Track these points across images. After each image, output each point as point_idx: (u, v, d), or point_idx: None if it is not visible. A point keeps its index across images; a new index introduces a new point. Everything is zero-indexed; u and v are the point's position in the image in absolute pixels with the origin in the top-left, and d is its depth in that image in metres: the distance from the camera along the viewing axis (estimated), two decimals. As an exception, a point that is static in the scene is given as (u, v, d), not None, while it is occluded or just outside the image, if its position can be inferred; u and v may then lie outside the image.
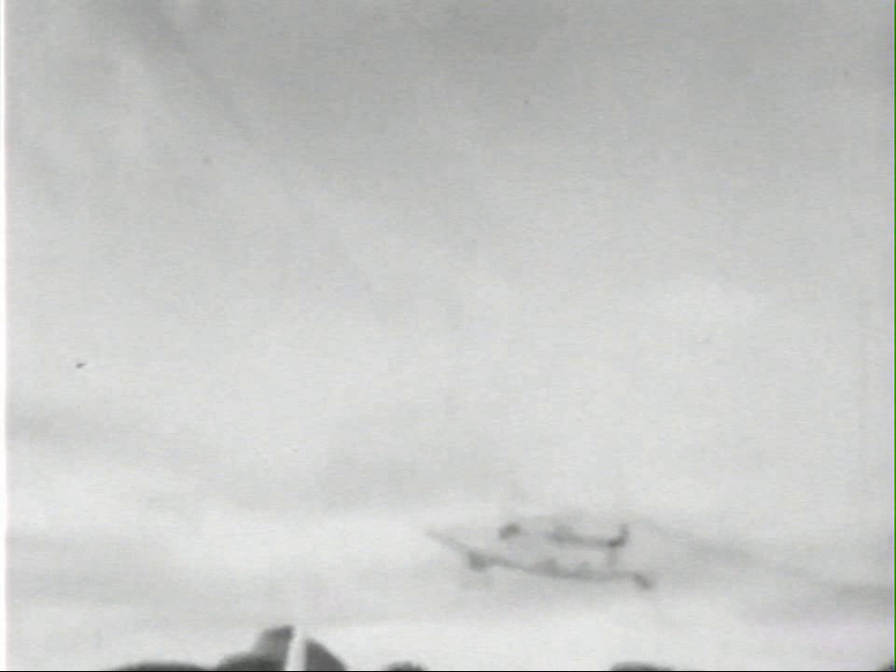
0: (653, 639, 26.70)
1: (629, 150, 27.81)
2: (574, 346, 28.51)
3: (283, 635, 30.27)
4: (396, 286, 29.88)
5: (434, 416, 29.43)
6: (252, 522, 30.33)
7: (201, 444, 30.91)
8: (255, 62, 29.41)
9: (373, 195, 29.91)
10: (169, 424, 30.65)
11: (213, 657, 30.49)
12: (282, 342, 30.83)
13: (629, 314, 28.06)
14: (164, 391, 30.74)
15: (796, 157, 26.47)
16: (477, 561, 28.40)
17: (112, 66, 29.57)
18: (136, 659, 29.51)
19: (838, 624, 25.73)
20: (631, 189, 27.69)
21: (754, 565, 26.54)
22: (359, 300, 29.80)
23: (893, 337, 24.88)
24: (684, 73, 27.52)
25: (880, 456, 26.11)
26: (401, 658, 29.25)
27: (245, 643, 30.80)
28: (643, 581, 27.54)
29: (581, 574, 27.85)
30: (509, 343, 29.03)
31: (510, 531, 28.41)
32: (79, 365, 27.38)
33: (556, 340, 28.78)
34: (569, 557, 27.90)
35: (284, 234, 30.41)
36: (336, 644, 29.89)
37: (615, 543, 27.80)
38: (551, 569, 28.02)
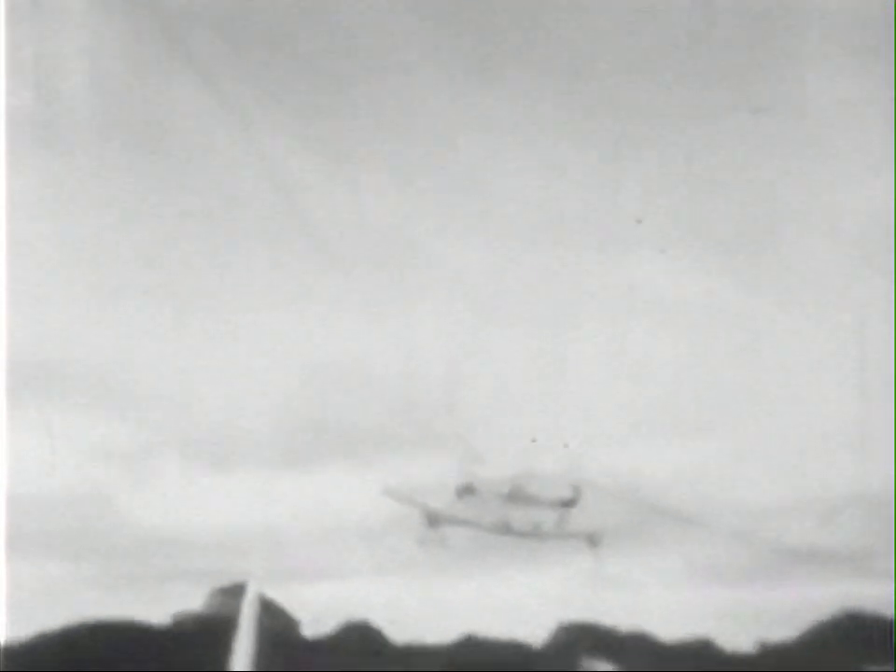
0: (600, 598, 27.56)
1: (605, 119, 28.46)
2: (533, 310, 29.14)
3: (236, 591, 30.41)
4: (355, 243, 30.20)
5: (392, 377, 29.84)
6: (208, 478, 30.44)
7: (158, 401, 30.95)
8: (214, 7, 29.45)
9: (334, 149, 30.18)
10: (126, 380, 30.63)
11: (164, 614, 30.54)
12: (240, 298, 30.98)
13: (591, 281, 28.81)
14: (122, 349, 30.69)
15: (772, 134, 27.32)
16: (433, 520, 28.94)
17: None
18: (87, 616, 29.45)
19: (780, 586, 26.88)
20: (604, 158, 28.37)
21: (701, 527, 27.56)
22: (317, 256, 30.07)
23: (853, 317, 26.06)
24: (662, 43, 28.30)
25: (827, 425, 27.34)
26: (357, 615, 29.67)
27: (197, 600, 30.89)
28: (593, 541, 28.39)
29: (533, 533, 28.60)
30: (469, 306, 29.52)
31: (465, 491, 29.01)
32: None
33: (516, 303, 29.37)
34: (523, 517, 28.61)
35: (239, 182, 30.50)
36: (291, 601, 30.14)
37: (567, 504, 28.60)
38: (505, 529, 28.72)
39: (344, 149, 29.80)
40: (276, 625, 29.82)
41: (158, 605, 30.24)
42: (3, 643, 27.08)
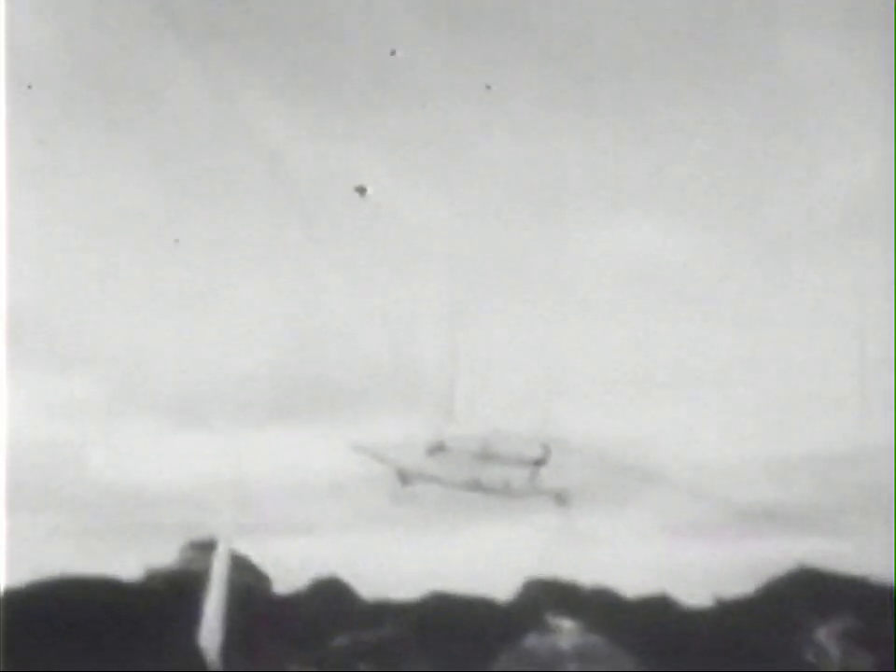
0: (567, 554, 28.35)
1: (579, 79, 28.83)
2: (508, 270, 29.58)
3: (206, 546, 30.58)
4: (338, 206, 30.38)
5: (365, 337, 30.12)
6: (179, 435, 30.53)
7: (131, 359, 30.92)
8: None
9: (310, 102, 30.22)
10: (99, 337, 30.53)
11: (135, 568, 30.63)
12: (218, 258, 31.03)
13: (566, 243, 29.33)
14: (94, 306, 30.56)
15: (760, 101, 27.84)
16: (404, 477, 29.37)
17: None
18: (57, 570, 29.42)
19: (738, 543, 27.93)
20: (578, 119, 28.74)
21: (664, 486, 28.49)
22: (298, 217, 30.19)
23: (832, 282, 26.95)
24: (642, 11, 28.76)
25: (787, 390, 28.41)
26: (327, 570, 30.06)
27: (168, 555, 31.01)
28: (561, 499, 29.13)
29: (503, 491, 29.22)
30: (444, 264, 29.84)
31: (437, 449, 29.48)
32: None
33: (494, 266, 29.79)
34: (493, 475, 29.20)
35: (224, 146, 30.47)
36: (262, 556, 30.41)
37: (537, 463, 29.26)
38: (475, 486, 29.29)
39: (335, 117, 29.90)
40: (247, 580, 30.09)
41: (128, 559, 30.34)
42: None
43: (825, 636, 28.67)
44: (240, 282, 30.75)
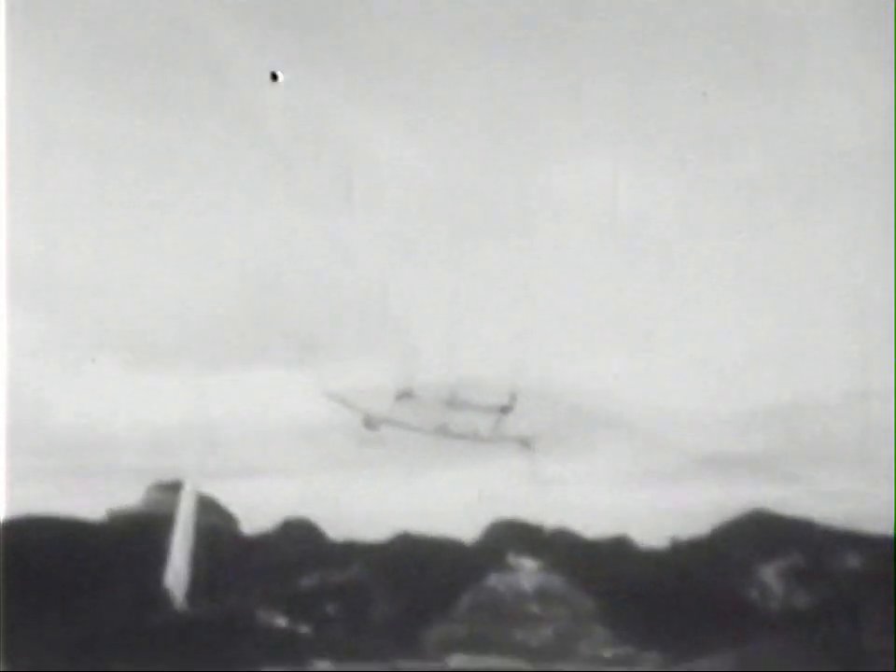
0: (531, 498, 29.22)
1: (551, 16, 28.68)
2: (476, 217, 29.68)
3: (171, 488, 30.61)
4: (296, 143, 29.96)
5: (333, 279, 30.07)
6: (142, 376, 30.26)
7: (91, 298, 30.37)
8: None
9: (287, 52, 29.65)
10: (58, 277, 29.87)
11: (98, 510, 30.51)
12: (180, 196, 30.47)
13: (536, 188, 29.43)
14: (53, 243, 29.81)
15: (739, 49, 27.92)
16: (371, 422, 29.76)
17: None
18: (18, 511, 29.16)
19: (694, 488, 29.12)
20: (552, 57, 28.60)
21: (628, 433, 29.43)
22: (259, 155, 29.74)
23: (799, 233, 27.69)
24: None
25: (746, 342, 29.36)
26: (295, 512, 30.38)
27: (132, 497, 30.93)
28: (526, 445, 29.92)
29: (470, 437, 29.87)
30: (411, 207, 29.79)
31: (405, 395, 29.89)
32: None
33: (459, 210, 29.79)
34: (460, 421, 29.79)
35: (183, 80, 29.70)
36: (228, 498, 30.58)
37: (504, 410, 29.93)
38: (442, 432, 29.88)
39: (299, 52, 29.27)
40: (214, 522, 30.28)
41: (91, 502, 30.17)
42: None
43: (770, 574, 30.26)
44: (206, 223, 30.26)
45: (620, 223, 28.77)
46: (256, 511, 30.39)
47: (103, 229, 30.20)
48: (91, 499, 29.87)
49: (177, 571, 29.11)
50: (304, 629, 28.71)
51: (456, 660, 27.76)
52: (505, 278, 29.64)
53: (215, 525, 30.07)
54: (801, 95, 27.75)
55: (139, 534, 29.89)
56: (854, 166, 26.01)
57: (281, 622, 28.64)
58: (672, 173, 28.45)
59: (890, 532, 28.89)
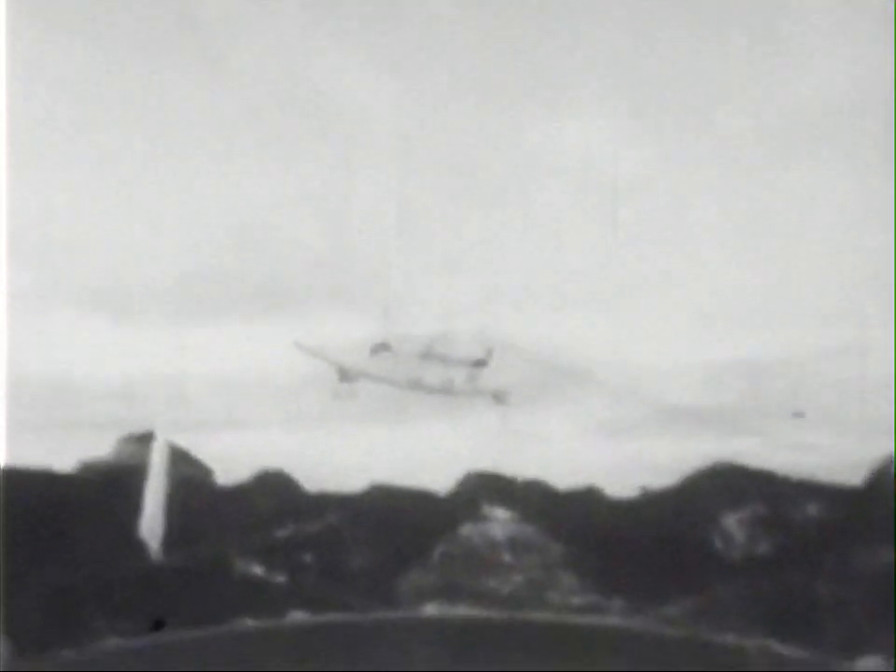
0: (504, 450, 29.65)
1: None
2: (455, 173, 29.59)
3: (144, 439, 30.53)
4: (280, 97, 29.63)
5: (309, 233, 29.94)
6: (115, 328, 30.02)
7: (64, 249, 29.97)
8: None
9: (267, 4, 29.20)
10: (31, 227, 29.38)
11: (69, 461, 30.36)
12: (157, 147, 30.06)
13: (516, 142, 29.35)
14: (24, 195, 29.28)
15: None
16: (346, 375, 29.84)
17: None
18: (-11, 462, 28.89)
19: (663, 440, 29.78)
20: (536, 15, 28.38)
21: (597, 387, 29.92)
22: (241, 108, 29.39)
23: (771, 191, 28.04)
24: None
25: (714, 298, 29.86)
26: (270, 465, 30.51)
27: (104, 448, 30.82)
28: (500, 398, 30.28)
29: (444, 390, 30.14)
30: (391, 164, 29.61)
31: (380, 348, 29.98)
32: None
33: (440, 159, 29.57)
34: (435, 374, 30.02)
35: (164, 33, 29.18)
36: (203, 450, 30.58)
37: (478, 364, 30.20)
38: (417, 385, 30.09)
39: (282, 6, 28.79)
40: (188, 473, 30.32)
41: (63, 453, 30.01)
42: None
43: (732, 523, 31.15)
44: (183, 173, 29.91)
45: (598, 182, 28.96)
46: (230, 463, 30.47)
47: (70, 180, 29.72)
48: (62, 451, 29.69)
49: (151, 522, 29.15)
50: (280, 578, 28.98)
51: (431, 608, 28.26)
52: (481, 233, 29.74)
53: (189, 477, 30.11)
54: (792, 51, 27.78)
55: (112, 485, 29.83)
56: (843, 120, 26.23)
57: (258, 571, 28.87)
58: (659, 134, 28.60)
59: (852, 482, 29.87)
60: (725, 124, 28.03)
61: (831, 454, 28.55)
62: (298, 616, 27.65)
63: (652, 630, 26.87)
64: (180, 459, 30.31)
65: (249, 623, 26.47)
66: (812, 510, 30.61)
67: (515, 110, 28.64)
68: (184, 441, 30.30)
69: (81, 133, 29.36)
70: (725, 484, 30.96)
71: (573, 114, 29.06)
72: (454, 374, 30.22)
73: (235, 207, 30.12)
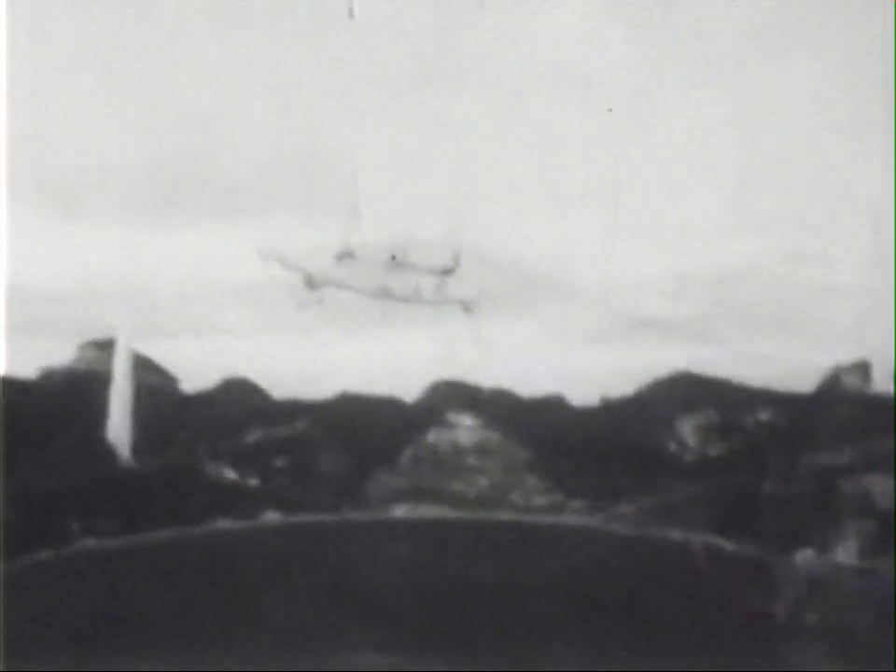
0: (471, 359, 30.03)
1: None
2: (427, 72, 28.79)
3: (105, 346, 30.01)
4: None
5: (273, 134, 29.25)
6: (68, 228, 29.10)
7: (14, 143, 28.80)
8: None
9: None
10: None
11: (29, 368, 29.73)
12: (114, 39, 28.91)
13: (486, 37, 28.73)
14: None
15: None
16: (312, 282, 29.64)
17: None
18: (-57, 368, 28.11)
19: (626, 350, 30.48)
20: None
21: (565, 297, 30.35)
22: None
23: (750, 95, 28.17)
24: None
25: (686, 207, 30.27)
26: (235, 372, 30.31)
27: (63, 355, 30.22)
28: (468, 307, 30.49)
29: (412, 298, 30.20)
30: (353, 56, 28.78)
31: (345, 255, 29.80)
32: None
33: (405, 58, 28.82)
34: (402, 283, 30.02)
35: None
36: (166, 357, 30.20)
37: (446, 272, 30.26)
38: (384, 293, 30.07)
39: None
40: (152, 380, 29.98)
41: (21, 359, 29.30)
42: None
43: (687, 429, 32.29)
44: (140, 67, 28.83)
45: (572, 81, 28.61)
46: (195, 371, 30.14)
47: (18, 67, 28.37)
48: (21, 356, 28.96)
49: (118, 427, 28.86)
50: (253, 481, 29.08)
51: (400, 509, 28.74)
52: (451, 135, 29.26)
53: (153, 384, 29.78)
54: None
55: (75, 392, 29.38)
56: (833, 16, 26.19)
57: (230, 474, 28.90)
58: (635, 31, 28.29)
59: (803, 389, 31.13)
60: (700, 11, 27.75)
61: (788, 362, 29.57)
62: (271, 517, 27.83)
63: (607, 528, 27.79)
64: (143, 366, 29.89)
65: (224, 523, 26.57)
66: (763, 415, 31.83)
67: (499, 7, 28.08)
68: (146, 348, 29.82)
69: (36, 25, 28.02)
70: (681, 393, 31.92)
71: (546, 5, 28.53)
72: (421, 282, 30.24)
73: (197, 107, 29.21)
